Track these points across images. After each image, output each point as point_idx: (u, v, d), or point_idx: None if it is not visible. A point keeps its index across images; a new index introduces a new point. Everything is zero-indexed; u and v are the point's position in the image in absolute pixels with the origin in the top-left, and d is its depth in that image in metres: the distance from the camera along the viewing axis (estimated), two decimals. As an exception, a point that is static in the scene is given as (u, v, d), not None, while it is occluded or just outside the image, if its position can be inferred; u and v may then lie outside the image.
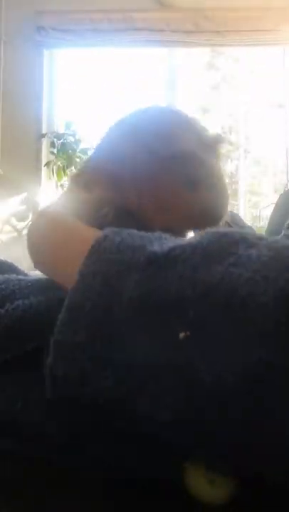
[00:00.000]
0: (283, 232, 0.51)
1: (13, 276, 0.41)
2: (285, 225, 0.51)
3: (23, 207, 2.50)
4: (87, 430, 0.29)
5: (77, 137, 2.33)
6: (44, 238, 0.42)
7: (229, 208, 0.54)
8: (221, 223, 0.49)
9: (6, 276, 0.41)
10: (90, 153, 2.35)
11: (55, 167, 2.31)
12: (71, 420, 0.29)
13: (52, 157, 2.35)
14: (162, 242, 0.28)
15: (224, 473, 0.27)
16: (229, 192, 0.53)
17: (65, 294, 0.34)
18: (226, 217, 0.51)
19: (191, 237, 0.31)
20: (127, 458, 0.29)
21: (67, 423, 0.29)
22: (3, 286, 0.37)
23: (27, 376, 0.31)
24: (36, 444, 0.30)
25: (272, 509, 0.27)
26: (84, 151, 2.34)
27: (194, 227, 0.47)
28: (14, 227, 2.50)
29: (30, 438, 0.30)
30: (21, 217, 2.49)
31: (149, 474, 0.28)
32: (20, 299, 0.34)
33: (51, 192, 2.57)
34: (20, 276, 0.42)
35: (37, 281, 0.39)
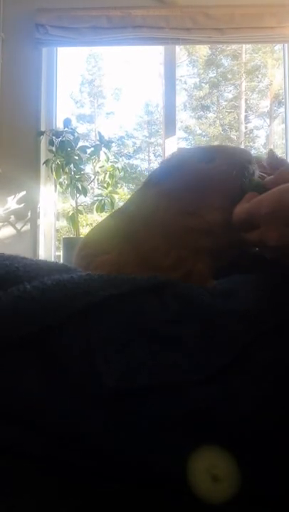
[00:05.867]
0: None
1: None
2: None
3: (22, 205, 2.49)
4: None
5: (76, 135, 2.32)
6: None
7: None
8: None
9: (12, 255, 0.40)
10: (88, 151, 2.35)
11: (54, 165, 2.30)
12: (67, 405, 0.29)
13: (50, 155, 2.34)
14: None
15: (227, 469, 0.27)
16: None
17: (60, 277, 0.35)
18: None
19: None
20: (127, 448, 0.28)
21: (62, 409, 0.29)
22: (7, 262, 0.37)
23: (22, 358, 0.31)
24: (33, 431, 0.30)
25: (272, 509, 0.27)
26: (83, 149, 2.34)
27: None
28: (13, 226, 2.50)
29: (28, 424, 0.30)
30: (20, 216, 2.49)
31: (152, 470, 0.28)
32: (20, 283, 0.34)
33: (50, 190, 2.57)
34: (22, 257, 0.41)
35: (41, 262, 0.39)
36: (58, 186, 2.49)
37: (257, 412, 0.28)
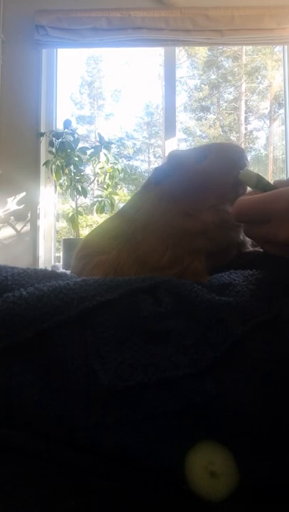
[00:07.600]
0: None
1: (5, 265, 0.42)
2: None
3: (22, 206, 2.50)
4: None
5: (75, 136, 2.32)
6: None
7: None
8: None
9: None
10: (88, 152, 2.35)
11: (53, 166, 2.30)
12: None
13: (50, 156, 2.34)
14: None
15: (225, 465, 0.27)
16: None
17: (57, 284, 0.35)
18: None
19: None
20: (126, 447, 0.28)
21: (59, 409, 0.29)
22: None
23: (20, 361, 0.31)
24: (26, 430, 0.30)
25: (270, 508, 0.27)
26: (82, 150, 2.34)
27: None
28: (13, 227, 2.50)
29: (27, 426, 0.30)
30: (20, 217, 2.50)
31: (150, 468, 0.28)
32: (10, 291, 0.34)
33: (50, 191, 2.57)
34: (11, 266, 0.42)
35: (30, 270, 0.40)
36: (57, 187, 2.49)
37: (252, 405, 0.28)
